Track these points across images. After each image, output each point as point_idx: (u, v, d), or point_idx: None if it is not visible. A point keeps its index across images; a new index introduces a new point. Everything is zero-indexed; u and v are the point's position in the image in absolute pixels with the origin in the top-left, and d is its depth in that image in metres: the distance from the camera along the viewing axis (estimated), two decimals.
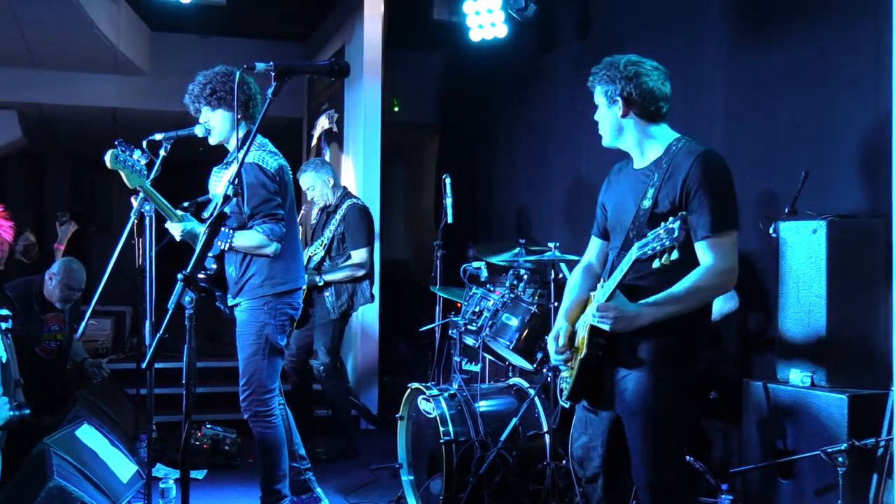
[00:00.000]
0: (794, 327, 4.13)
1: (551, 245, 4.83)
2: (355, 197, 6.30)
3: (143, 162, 3.90)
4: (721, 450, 5.03)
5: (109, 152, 3.70)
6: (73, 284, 5.84)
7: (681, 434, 3.28)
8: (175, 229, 4.14)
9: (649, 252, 2.81)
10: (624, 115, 3.24)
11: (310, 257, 6.06)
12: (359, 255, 6.05)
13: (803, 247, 4.09)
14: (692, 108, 5.43)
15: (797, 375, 4.08)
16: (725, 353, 4.97)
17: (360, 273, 6.06)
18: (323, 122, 8.95)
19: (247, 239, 4.10)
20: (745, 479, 4.36)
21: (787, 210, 4.32)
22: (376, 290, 6.44)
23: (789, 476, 4.04)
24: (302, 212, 6.69)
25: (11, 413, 4.05)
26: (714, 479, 4.54)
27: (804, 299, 4.08)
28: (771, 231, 4.29)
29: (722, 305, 4.66)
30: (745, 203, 5.00)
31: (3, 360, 4.41)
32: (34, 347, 5.77)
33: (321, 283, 5.98)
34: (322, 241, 6.08)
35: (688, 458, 4.56)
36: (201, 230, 4.10)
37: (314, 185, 6.16)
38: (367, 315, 7.52)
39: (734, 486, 4.42)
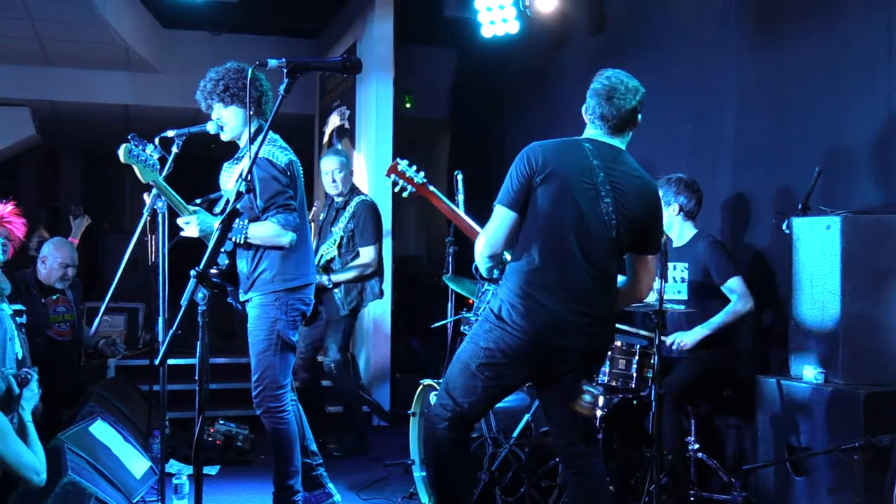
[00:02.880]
0: (807, 323, 4.12)
1: None
2: (364, 193, 6.28)
3: (155, 156, 3.91)
4: (734, 447, 5.02)
5: (123, 146, 3.71)
6: (68, 261, 5.91)
7: None
8: (191, 223, 4.12)
9: None
10: None
11: (321, 255, 6.05)
12: (367, 253, 6.03)
13: (817, 243, 4.07)
14: (705, 104, 5.41)
15: (811, 372, 4.07)
16: (738, 349, 4.95)
17: (369, 271, 6.05)
18: (334, 119, 8.95)
19: (262, 230, 4.09)
20: (758, 476, 4.35)
21: (800, 206, 4.30)
22: (388, 287, 6.43)
23: (803, 473, 4.03)
24: (314, 209, 6.69)
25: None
26: (727, 475, 4.53)
27: (818, 296, 4.06)
28: (784, 227, 4.28)
29: (740, 307, 4.65)
30: (758, 199, 5.00)
31: (20, 356, 4.43)
32: (46, 332, 5.82)
33: (330, 286, 5.97)
34: (334, 240, 6.06)
35: (700, 455, 4.56)
36: (215, 224, 4.10)
37: (335, 170, 6.10)
38: (380, 311, 7.52)
39: (747, 483, 4.41)
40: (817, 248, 4.07)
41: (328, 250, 6.04)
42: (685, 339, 4.67)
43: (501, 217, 3.40)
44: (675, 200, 4.83)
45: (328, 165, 6.15)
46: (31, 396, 3.82)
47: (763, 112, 5.00)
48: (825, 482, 3.89)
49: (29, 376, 3.82)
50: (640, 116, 3.51)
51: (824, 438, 3.91)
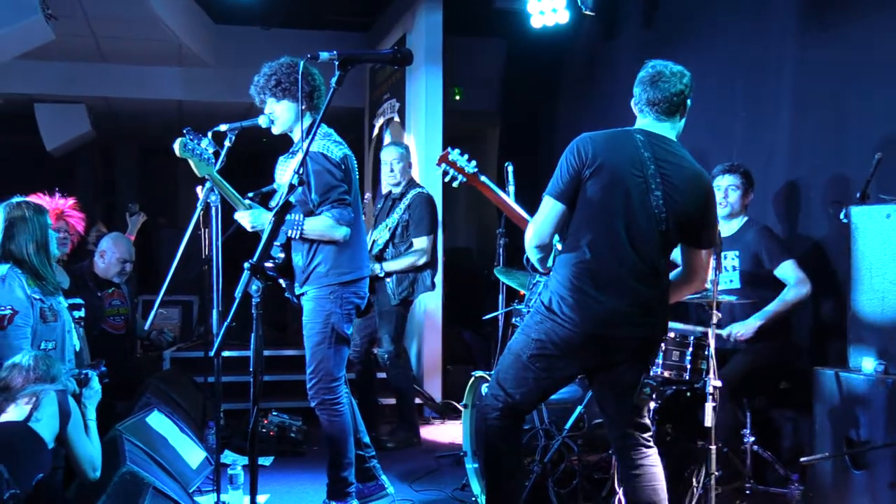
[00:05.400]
0: (866, 314, 4.04)
1: None
2: (421, 186, 6.31)
3: (210, 150, 3.94)
4: (791, 440, 4.95)
5: (178, 140, 3.75)
6: (126, 256, 6.04)
7: None
8: (244, 217, 4.17)
9: None
10: None
11: (374, 241, 6.08)
12: (420, 243, 6.05)
13: (876, 232, 3.99)
14: (760, 92, 5.33)
15: (870, 363, 3.99)
16: (796, 341, 4.88)
17: (422, 261, 6.07)
18: (387, 110, 8.98)
19: (317, 224, 4.13)
20: (815, 470, 4.28)
21: (858, 195, 4.21)
22: (438, 279, 6.44)
23: (862, 467, 3.95)
24: (365, 200, 6.72)
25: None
26: (783, 469, 4.47)
27: (877, 286, 3.98)
28: (842, 216, 4.20)
29: (796, 292, 4.59)
30: (815, 188, 4.92)
31: (77, 349, 4.52)
32: (101, 325, 5.93)
33: (382, 274, 6.00)
34: (387, 225, 6.08)
35: (756, 447, 4.50)
36: (269, 218, 4.14)
37: (394, 160, 6.20)
38: (431, 303, 7.54)
39: (804, 477, 4.35)
40: (877, 237, 3.99)
41: (380, 235, 6.08)
42: (741, 329, 4.62)
43: (549, 208, 3.41)
44: (752, 191, 4.82)
45: (388, 156, 6.24)
46: (92, 395, 3.93)
47: (818, 100, 4.91)
48: (885, 476, 3.82)
49: (89, 375, 3.93)
50: (689, 102, 3.47)
51: (884, 431, 3.84)
